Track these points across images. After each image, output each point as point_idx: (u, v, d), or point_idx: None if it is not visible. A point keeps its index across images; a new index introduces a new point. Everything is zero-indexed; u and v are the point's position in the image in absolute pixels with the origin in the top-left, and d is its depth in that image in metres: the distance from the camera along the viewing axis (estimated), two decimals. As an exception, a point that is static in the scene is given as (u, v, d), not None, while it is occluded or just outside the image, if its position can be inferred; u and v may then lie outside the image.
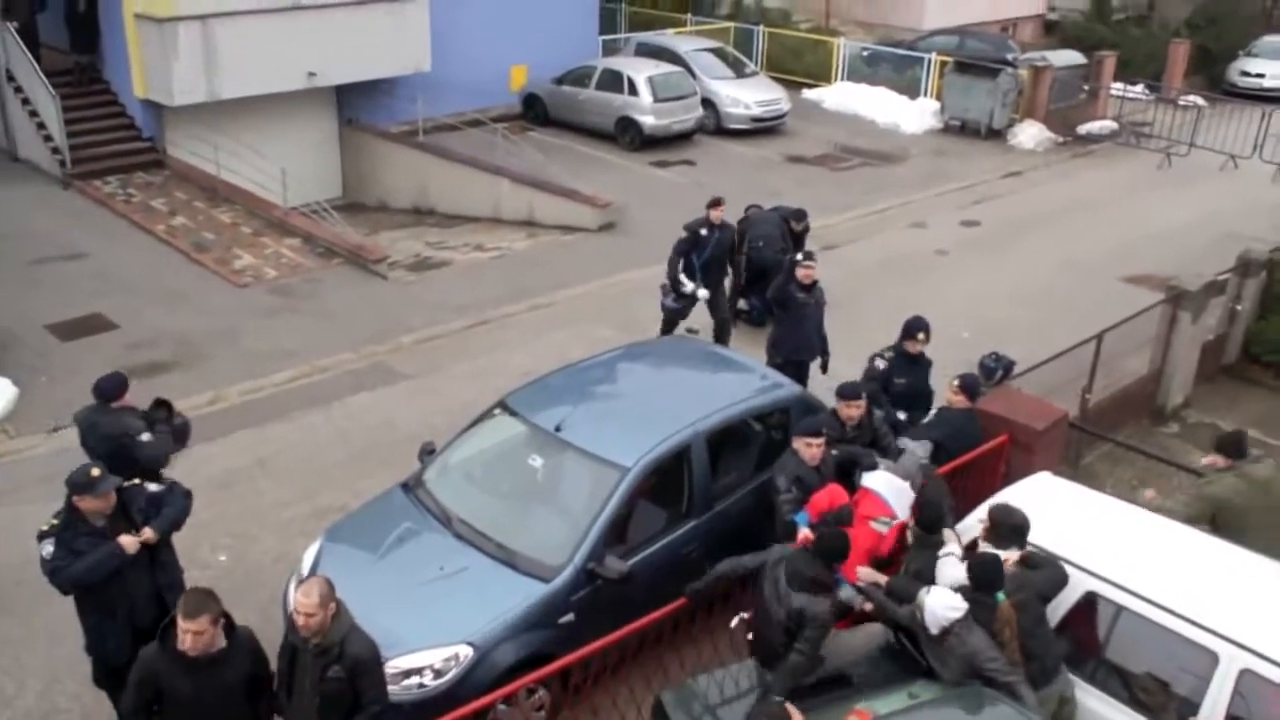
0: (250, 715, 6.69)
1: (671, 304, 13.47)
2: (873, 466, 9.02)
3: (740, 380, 10.24)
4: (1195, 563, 8.02)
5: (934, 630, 7.28)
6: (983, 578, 7.45)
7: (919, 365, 10.66)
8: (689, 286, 13.44)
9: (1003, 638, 7.29)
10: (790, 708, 6.14)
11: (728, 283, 14.28)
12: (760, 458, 9.82)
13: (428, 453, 9.54)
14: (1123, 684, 7.67)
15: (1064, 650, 7.65)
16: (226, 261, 17.33)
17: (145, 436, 8.71)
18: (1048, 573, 7.67)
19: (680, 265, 13.48)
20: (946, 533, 8.21)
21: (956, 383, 10.07)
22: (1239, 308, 15.15)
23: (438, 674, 7.63)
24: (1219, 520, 8.79)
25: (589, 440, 8.89)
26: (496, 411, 9.61)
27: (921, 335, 10.53)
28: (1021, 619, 7.39)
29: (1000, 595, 7.37)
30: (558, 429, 8.99)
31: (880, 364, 10.68)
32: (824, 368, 12.37)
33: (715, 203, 13.61)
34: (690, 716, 7.34)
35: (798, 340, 12.14)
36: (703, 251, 13.48)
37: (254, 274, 16.92)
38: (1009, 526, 7.88)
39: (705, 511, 9.17)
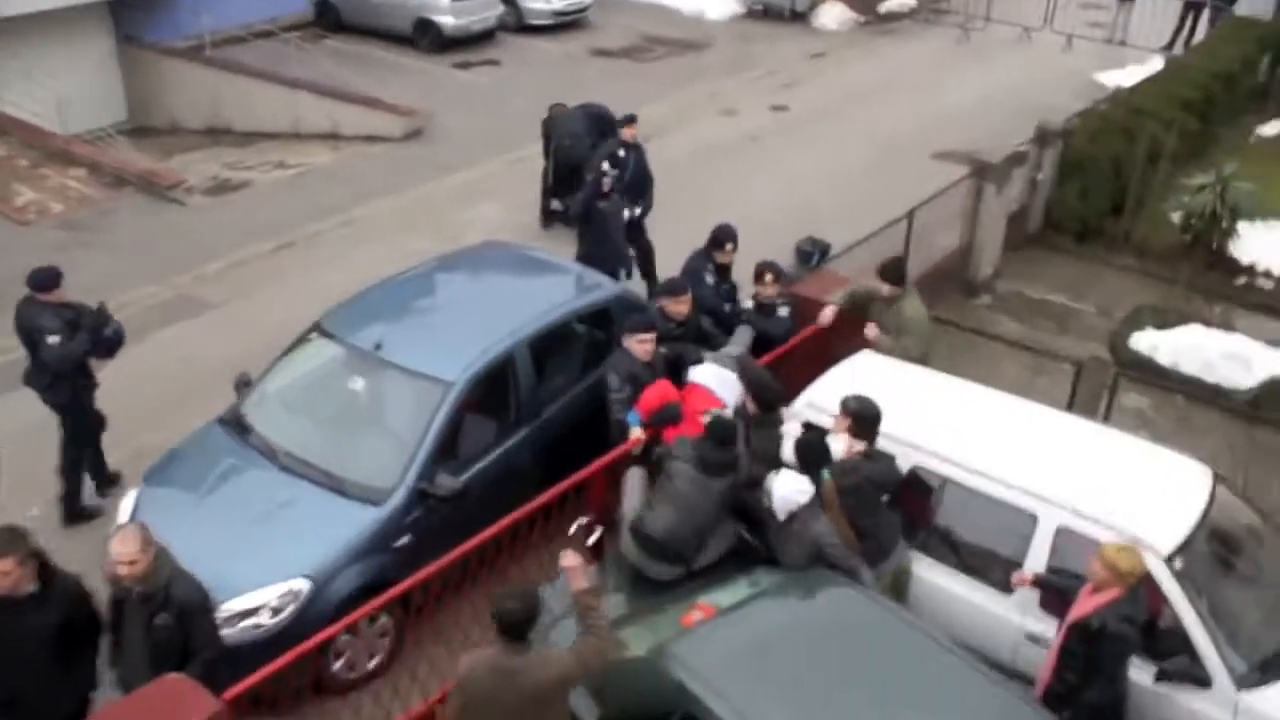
0: (62, 663, 6.43)
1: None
2: (699, 361, 9.10)
3: (559, 283, 10.20)
4: (1013, 429, 8.36)
5: (781, 515, 7.43)
6: (809, 456, 7.67)
7: (727, 281, 10.59)
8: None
9: (831, 518, 7.49)
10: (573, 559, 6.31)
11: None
12: (585, 359, 9.84)
13: (244, 384, 9.27)
14: (952, 550, 8.01)
15: (898, 526, 7.91)
16: (6, 199, 16.33)
17: (53, 339, 8.92)
18: (882, 465, 7.89)
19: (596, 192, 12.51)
20: (784, 411, 8.37)
21: (770, 276, 10.18)
22: (1039, 177, 15.68)
23: (275, 612, 7.50)
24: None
25: (410, 357, 8.76)
26: (312, 335, 9.38)
27: (730, 245, 10.44)
28: (852, 500, 7.60)
29: (825, 474, 7.55)
30: (377, 348, 8.83)
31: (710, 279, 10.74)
32: (629, 273, 12.35)
33: (629, 120, 12.74)
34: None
35: (606, 251, 12.08)
36: (623, 175, 12.58)
37: (38, 210, 16.01)
38: (869, 419, 7.95)
39: (534, 419, 9.18)
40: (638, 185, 12.67)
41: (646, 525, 7.72)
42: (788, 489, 7.46)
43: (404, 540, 8.10)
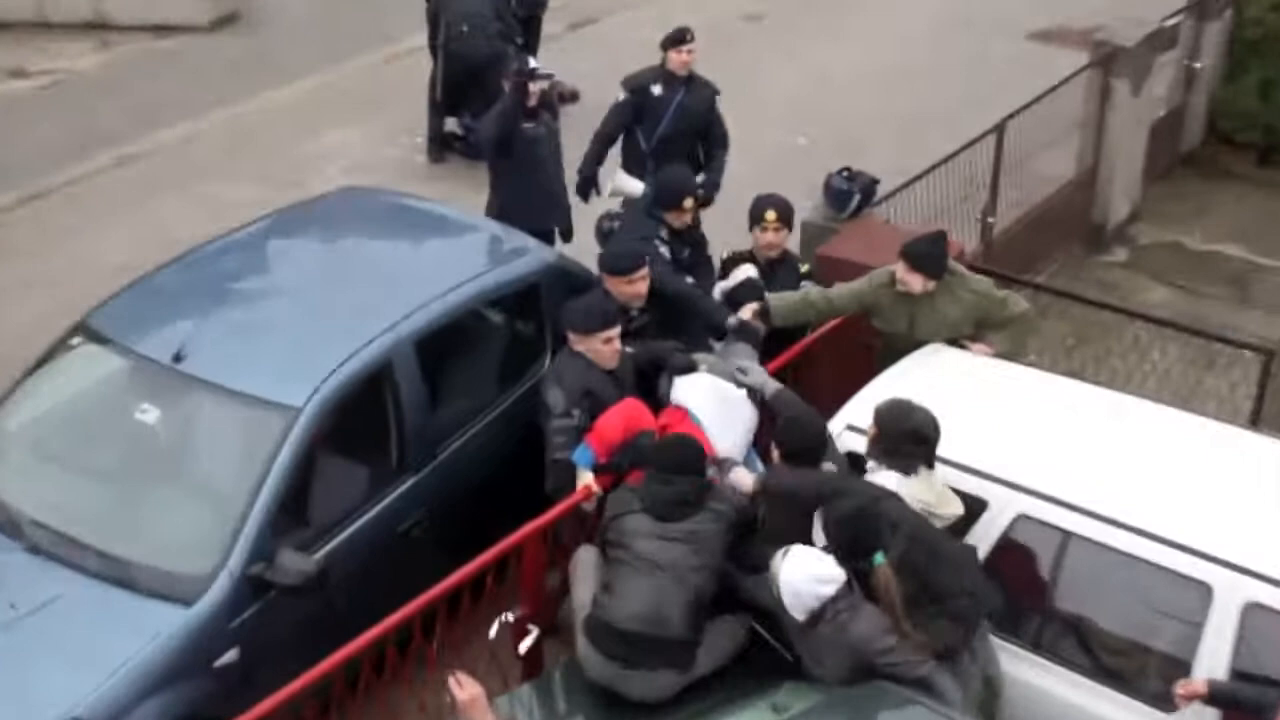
0: None
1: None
2: (687, 367, 9.14)
3: (459, 248, 10.29)
4: (1169, 458, 8.49)
5: (800, 615, 7.45)
6: (853, 539, 7.63)
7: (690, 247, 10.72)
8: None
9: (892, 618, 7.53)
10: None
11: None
12: (504, 367, 9.91)
13: (-34, 419, 9.23)
14: (1078, 645, 8.06)
15: (980, 596, 7.93)
16: None
17: None
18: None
19: (603, 152, 12.49)
20: (827, 467, 8.38)
21: (772, 215, 10.25)
22: (1198, 65, 15.83)
23: (32, 776, 7.46)
24: None
25: (230, 371, 8.74)
26: (76, 340, 9.35)
27: (687, 201, 10.55)
28: (916, 569, 7.62)
29: (878, 557, 7.59)
30: (177, 358, 8.79)
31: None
32: (566, 230, 12.44)
33: (678, 39, 12.47)
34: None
35: (534, 196, 12.06)
36: (655, 124, 12.53)
37: None
38: (902, 433, 8.06)
39: (427, 460, 9.20)
40: (679, 146, 12.38)
41: (607, 613, 7.75)
42: (803, 576, 7.44)
43: (228, 657, 8.05)
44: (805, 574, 7.43)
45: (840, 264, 10.48)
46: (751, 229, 10.41)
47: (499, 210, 11.94)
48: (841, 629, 7.41)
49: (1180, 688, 7.51)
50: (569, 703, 7.89)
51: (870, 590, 7.52)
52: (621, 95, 12.50)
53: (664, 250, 10.36)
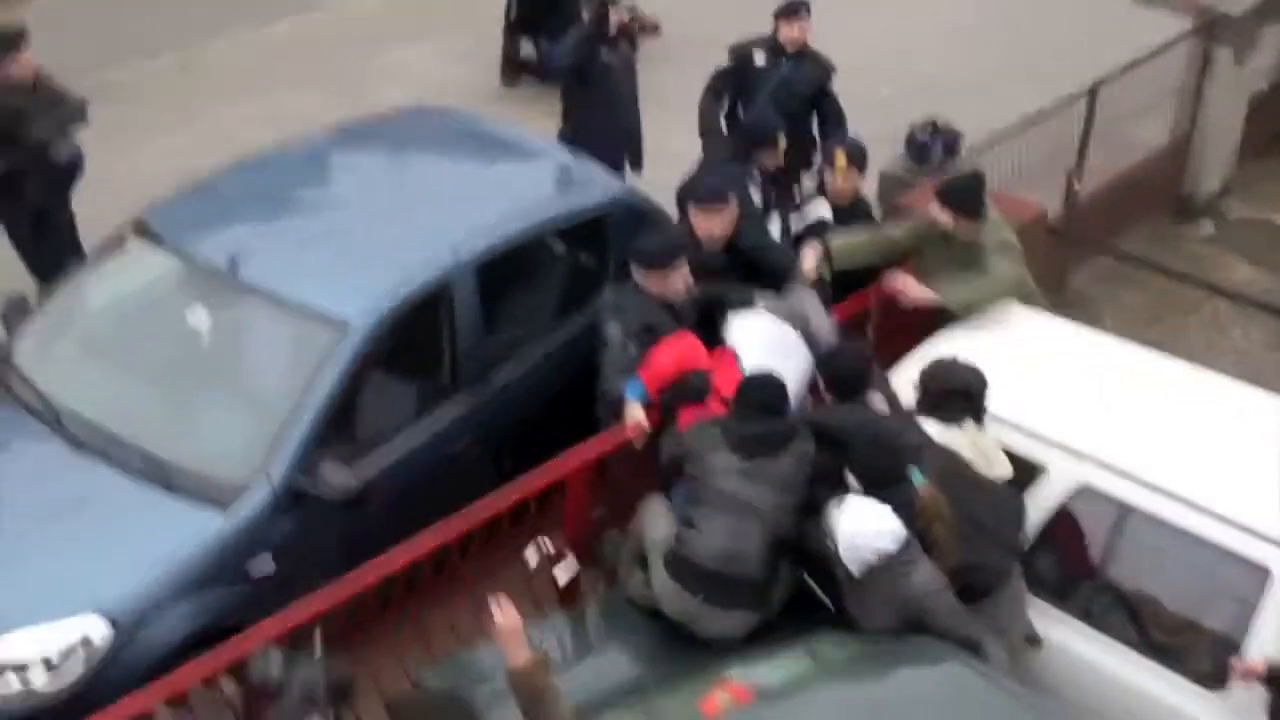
0: None
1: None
2: (744, 304, 9.19)
3: (526, 175, 10.30)
4: (1239, 438, 8.46)
5: (856, 569, 7.48)
6: (875, 466, 7.72)
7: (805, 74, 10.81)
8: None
9: (935, 539, 7.63)
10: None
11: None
12: (565, 297, 9.97)
13: (15, 312, 9.38)
14: (1129, 618, 8.12)
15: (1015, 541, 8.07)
16: None
17: None
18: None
19: (716, 109, 12.00)
20: (874, 397, 8.47)
21: (842, 158, 10.25)
22: (1310, 39, 15.71)
23: (53, 667, 7.59)
24: None
25: (286, 282, 8.82)
26: (128, 240, 9.46)
27: (805, 12, 10.78)
28: (964, 499, 7.76)
29: (917, 475, 7.69)
30: (232, 265, 8.90)
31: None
32: (636, 161, 12.47)
33: (790, 10, 11.92)
34: (467, 710, 7.47)
35: (608, 126, 12.13)
36: (751, 98, 11.99)
37: None
38: (944, 391, 8.18)
39: (480, 385, 9.27)
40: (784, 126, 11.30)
41: (693, 550, 7.83)
42: (861, 530, 7.44)
43: (264, 566, 8.18)
44: (862, 527, 7.42)
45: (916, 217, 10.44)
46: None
47: (571, 137, 11.98)
48: (896, 578, 7.44)
49: (1237, 663, 7.55)
50: (602, 637, 7.98)
51: (920, 519, 7.58)
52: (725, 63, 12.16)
53: (755, 195, 10.31)
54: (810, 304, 9.28)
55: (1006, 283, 9.53)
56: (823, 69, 12.05)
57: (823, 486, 7.97)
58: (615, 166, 11.72)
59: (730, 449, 7.92)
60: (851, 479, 7.82)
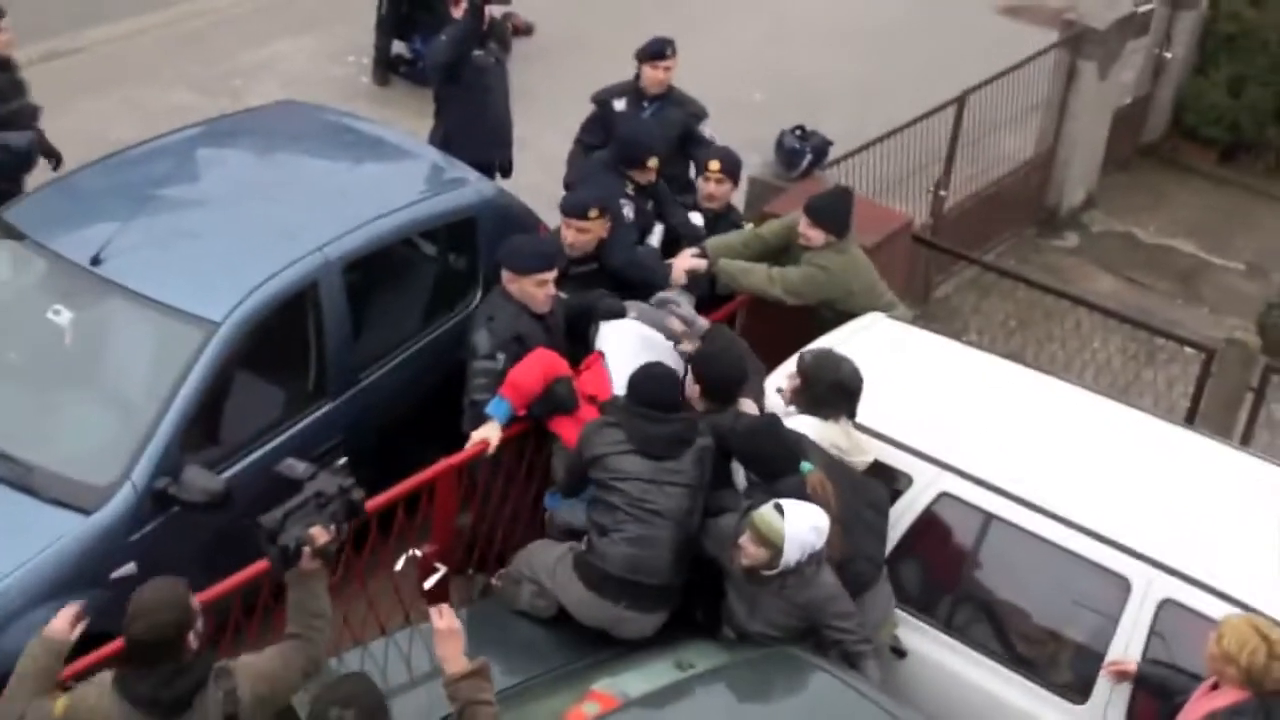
0: None
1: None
2: (614, 312, 9.19)
3: (397, 173, 10.27)
4: (1100, 448, 8.61)
5: (790, 563, 7.53)
6: (768, 455, 7.84)
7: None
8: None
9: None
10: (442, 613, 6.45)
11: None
12: (433, 298, 9.95)
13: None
14: (993, 629, 8.24)
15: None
16: None
17: None
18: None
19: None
20: (745, 403, 8.52)
21: (715, 165, 10.33)
22: (1168, 55, 15.94)
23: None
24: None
25: (150, 279, 8.72)
26: (-10, 235, 9.32)
27: (716, 164, 10.49)
28: (839, 493, 7.82)
29: (806, 465, 7.79)
30: (96, 261, 8.77)
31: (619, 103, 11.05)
32: (505, 168, 12.42)
33: (654, 53, 11.54)
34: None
35: (479, 126, 12.05)
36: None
37: None
38: (829, 384, 8.23)
39: (347, 387, 9.24)
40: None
41: (610, 559, 7.86)
42: (804, 526, 7.48)
43: (127, 569, 8.07)
44: (809, 524, 7.47)
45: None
46: (642, 65, 10.62)
47: (443, 138, 11.94)
48: (806, 584, 7.53)
49: (1112, 664, 7.71)
50: (471, 646, 7.95)
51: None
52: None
53: (628, 210, 10.13)
54: (679, 309, 9.26)
55: (776, 281, 9.72)
56: (688, 112, 11.69)
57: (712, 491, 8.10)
58: (486, 167, 11.61)
59: (636, 452, 7.95)
60: (741, 475, 8.01)
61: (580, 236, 9.58)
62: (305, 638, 6.43)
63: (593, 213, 9.57)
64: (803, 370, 8.38)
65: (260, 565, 7.29)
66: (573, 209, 9.61)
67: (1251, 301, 13.73)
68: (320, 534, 6.46)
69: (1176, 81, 16.15)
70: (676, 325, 9.10)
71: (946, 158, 13.21)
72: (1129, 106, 15.72)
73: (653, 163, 10.28)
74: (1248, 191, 15.58)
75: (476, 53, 12.03)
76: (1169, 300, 13.74)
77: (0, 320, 9.18)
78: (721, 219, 10.47)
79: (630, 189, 10.21)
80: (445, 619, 6.44)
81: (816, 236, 9.64)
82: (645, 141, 10.34)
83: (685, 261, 9.85)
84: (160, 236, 9.16)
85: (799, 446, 7.94)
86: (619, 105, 11.66)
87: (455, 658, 6.33)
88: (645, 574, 7.83)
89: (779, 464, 7.80)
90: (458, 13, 12.28)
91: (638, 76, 11.59)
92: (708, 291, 10.03)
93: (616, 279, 9.80)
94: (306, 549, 6.42)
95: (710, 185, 10.36)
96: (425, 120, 12.44)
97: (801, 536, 7.42)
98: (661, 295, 9.49)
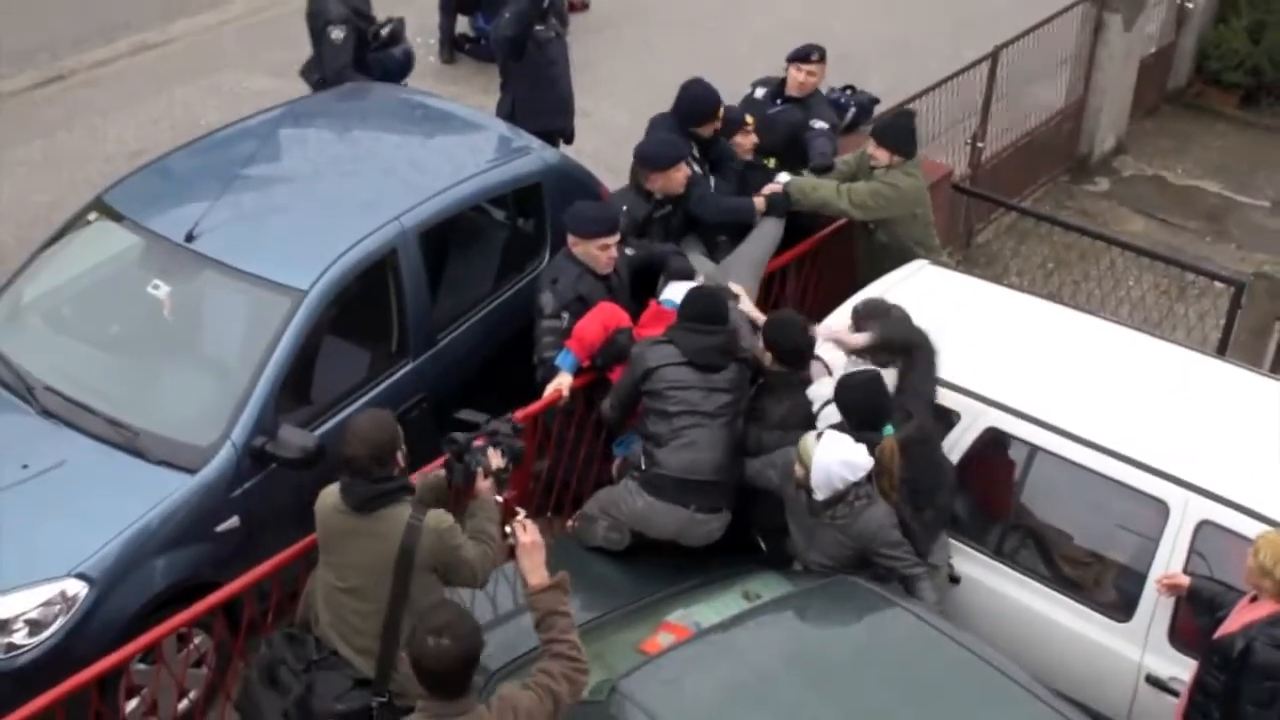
0: None
1: None
2: (684, 272, 9.24)
3: (465, 145, 10.28)
4: (1137, 380, 8.63)
5: (823, 494, 7.62)
6: (864, 406, 7.90)
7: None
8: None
9: (880, 488, 7.75)
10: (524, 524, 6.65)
11: None
12: (504, 260, 9.97)
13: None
14: (1040, 555, 8.29)
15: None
16: None
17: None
18: (922, 364, 8.20)
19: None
20: (817, 366, 8.57)
21: (816, 55, 10.60)
22: (1190, 5, 15.82)
23: (36, 627, 7.58)
24: None
25: (240, 252, 8.80)
26: (92, 216, 9.39)
27: (815, 57, 10.79)
28: (914, 458, 7.86)
29: (888, 428, 7.81)
30: (190, 238, 8.84)
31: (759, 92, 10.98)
32: (568, 136, 12.40)
33: (798, 56, 11.12)
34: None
35: (546, 101, 12.08)
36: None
37: None
38: (902, 344, 8.27)
39: (427, 347, 9.29)
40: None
41: (671, 466, 8.09)
42: (836, 457, 7.59)
43: (230, 523, 8.18)
44: (838, 457, 7.58)
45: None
46: (788, 65, 10.74)
47: (510, 110, 11.97)
48: (855, 516, 7.62)
49: (1164, 578, 7.70)
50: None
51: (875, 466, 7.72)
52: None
53: (695, 167, 10.17)
54: (741, 291, 9.30)
55: (844, 194, 9.89)
56: (809, 117, 11.11)
57: (771, 434, 8.19)
58: (550, 136, 11.69)
59: (687, 363, 8.15)
60: (828, 412, 8.09)
61: (669, 181, 9.69)
62: (479, 544, 6.85)
63: (677, 159, 9.72)
64: (855, 318, 8.47)
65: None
66: (661, 159, 9.72)
67: (1277, 236, 13.66)
68: (496, 458, 7.14)
69: (1199, 30, 16.05)
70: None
71: (982, 110, 13.18)
72: (1154, 55, 15.63)
73: (748, 120, 10.48)
74: (1270, 133, 15.48)
75: (538, 28, 12.07)
76: (1198, 238, 13.67)
77: (104, 296, 9.27)
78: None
79: (695, 149, 10.23)
80: (529, 533, 6.52)
81: (883, 156, 9.86)
82: (707, 99, 10.34)
83: (765, 188, 10.01)
84: (248, 213, 9.23)
85: (891, 401, 7.99)
86: (758, 93, 11.51)
87: (537, 569, 6.38)
88: (703, 472, 8.07)
89: (870, 414, 7.87)
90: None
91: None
92: (785, 215, 10.07)
93: (705, 225, 9.99)
94: (480, 470, 7.08)
95: (801, 74, 10.82)
96: (491, 95, 12.50)
97: (828, 464, 7.55)
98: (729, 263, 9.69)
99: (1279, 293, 11.16)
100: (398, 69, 11.94)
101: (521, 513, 6.80)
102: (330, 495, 6.86)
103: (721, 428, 8.15)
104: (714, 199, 10.07)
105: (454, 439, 7.21)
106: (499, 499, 7.29)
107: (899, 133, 10.00)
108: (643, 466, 8.22)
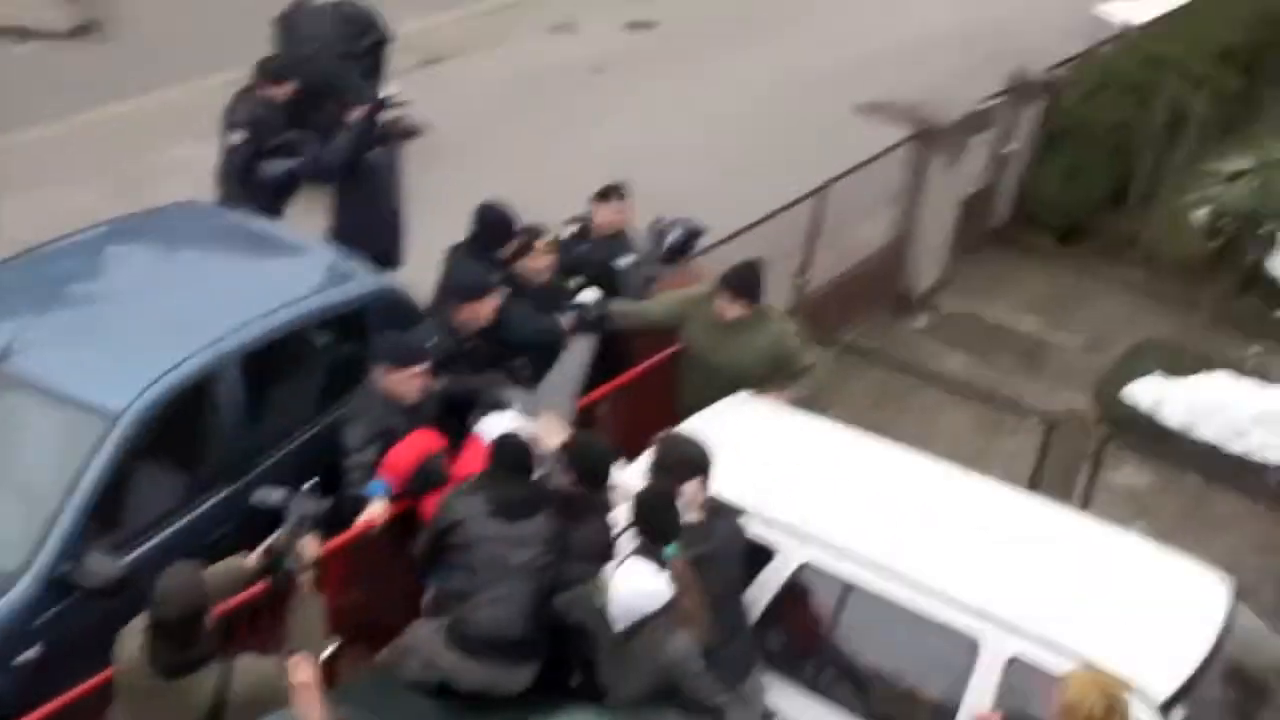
0: None
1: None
2: (498, 404, 9.18)
3: (290, 268, 10.23)
4: (950, 515, 8.66)
5: (622, 625, 7.52)
6: (651, 520, 7.83)
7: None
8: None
9: (685, 609, 7.64)
10: None
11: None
12: (326, 386, 9.87)
13: None
14: (853, 688, 8.25)
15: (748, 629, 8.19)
16: None
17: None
18: (730, 525, 8.16)
19: None
20: (617, 489, 8.49)
21: (541, 242, 10.38)
22: (1010, 149, 16.16)
23: None
24: None
25: (54, 371, 8.62)
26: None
27: (615, 196, 10.87)
28: (711, 582, 7.79)
29: (671, 548, 7.75)
30: (2, 355, 8.65)
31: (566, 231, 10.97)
32: (394, 258, 12.22)
33: (602, 194, 11.17)
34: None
35: (372, 222, 12.00)
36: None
37: None
38: (674, 460, 8.22)
39: (242, 474, 9.11)
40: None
41: (479, 623, 7.98)
42: (635, 586, 7.53)
43: (30, 654, 7.96)
44: (638, 584, 7.52)
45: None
46: (593, 203, 10.85)
47: (339, 233, 11.87)
48: (656, 645, 7.52)
49: (977, 717, 7.70)
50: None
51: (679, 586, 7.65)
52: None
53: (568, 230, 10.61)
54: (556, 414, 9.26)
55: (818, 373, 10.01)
56: (614, 253, 11.11)
57: (571, 562, 8.12)
58: (379, 260, 11.48)
59: (493, 515, 8.05)
60: (625, 538, 8.00)
61: (474, 312, 9.64)
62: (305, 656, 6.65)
63: (484, 291, 9.68)
64: (656, 452, 8.38)
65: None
66: (474, 290, 9.70)
67: (1089, 373, 13.89)
68: (311, 546, 7.22)
69: (1019, 171, 16.39)
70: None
71: (808, 245, 13.27)
72: (976, 195, 15.88)
73: (538, 243, 10.41)
74: (1084, 272, 15.79)
75: (372, 152, 12.00)
76: (1014, 375, 13.85)
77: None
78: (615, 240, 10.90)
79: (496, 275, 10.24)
80: (303, 672, 6.45)
81: (733, 309, 9.77)
82: (504, 221, 10.47)
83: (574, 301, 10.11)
84: (64, 332, 9.05)
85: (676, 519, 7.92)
86: (565, 232, 11.32)
87: (313, 708, 6.36)
88: (513, 631, 7.99)
89: (663, 529, 7.80)
90: (351, 117, 12.20)
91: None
92: (597, 328, 10.24)
93: (511, 347, 9.88)
94: (298, 567, 7.12)
95: (537, 259, 10.37)
96: (318, 216, 12.36)
97: (624, 599, 7.51)
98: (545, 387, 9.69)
99: (1089, 430, 11.40)
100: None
101: (296, 654, 6.67)
102: (132, 649, 6.63)
103: (529, 580, 8.06)
104: (523, 319, 10.05)
105: (270, 548, 7.25)
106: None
107: (751, 286, 9.89)
108: (449, 618, 8.11)
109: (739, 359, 9.75)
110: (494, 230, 10.43)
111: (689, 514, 8.01)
